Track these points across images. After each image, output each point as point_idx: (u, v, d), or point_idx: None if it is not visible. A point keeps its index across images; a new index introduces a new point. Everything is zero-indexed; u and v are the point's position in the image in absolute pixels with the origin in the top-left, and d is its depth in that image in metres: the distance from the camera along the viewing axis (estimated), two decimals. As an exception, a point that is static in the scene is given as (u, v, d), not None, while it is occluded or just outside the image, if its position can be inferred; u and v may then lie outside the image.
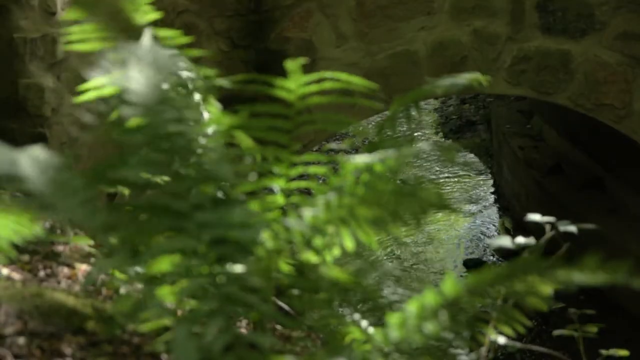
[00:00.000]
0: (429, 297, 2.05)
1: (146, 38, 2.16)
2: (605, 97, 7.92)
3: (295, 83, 2.38)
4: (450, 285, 2.04)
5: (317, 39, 7.60)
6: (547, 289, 2.02)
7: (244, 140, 2.34)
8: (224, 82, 2.39)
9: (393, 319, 2.04)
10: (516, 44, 7.85)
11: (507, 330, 2.23)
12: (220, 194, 1.99)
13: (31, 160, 1.90)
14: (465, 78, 2.44)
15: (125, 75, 1.99)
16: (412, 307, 2.05)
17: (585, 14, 7.83)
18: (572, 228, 2.98)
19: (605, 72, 7.89)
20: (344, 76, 2.39)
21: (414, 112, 2.47)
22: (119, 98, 1.96)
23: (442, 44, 7.81)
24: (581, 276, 1.93)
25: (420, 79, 7.82)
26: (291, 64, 2.35)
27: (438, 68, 7.81)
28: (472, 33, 7.81)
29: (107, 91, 2.07)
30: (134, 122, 1.96)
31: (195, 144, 2.00)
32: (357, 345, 2.03)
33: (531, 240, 2.73)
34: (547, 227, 3.05)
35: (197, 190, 1.96)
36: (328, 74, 2.41)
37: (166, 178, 1.98)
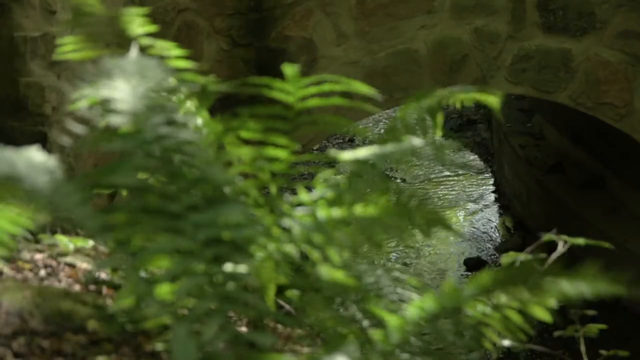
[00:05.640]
0: (428, 302, 2.05)
1: (133, 50, 2.18)
2: (606, 95, 7.92)
3: (294, 86, 2.38)
4: (450, 292, 2.05)
5: (318, 37, 7.59)
6: (551, 300, 2.03)
7: (234, 144, 2.35)
8: (222, 86, 2.39)
9: (392, 321, 2.05)
10: (517, 42, 7.85)
11: (509, 335, 2.23)
12: (214, 195, 1.99)
13: (28, 162, 1.91)
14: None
15: (111, 85, 2.01)
16: (411, 311, 2.05)
17: (586, 13, 7.82)
18: (581, 241, 2.97)
19: (606, 70, 7.88)
20: (343, 79, 2.40)
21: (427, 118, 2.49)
22: (106, 107, 1.97)
23: (443, 42, 7.81)
24: (580, 287, 1.94)
25: (421, 78, 7.82)
26: (289, 68, 2.35)
27: (439, 66, 7.81)
28: (473, 32, 7.81)
29: (94, 101, 2.08)
30: (123, 129, 1.97)
31: (186, 146, 2.00)
32: (357, 345, 2.04)
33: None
34: (559, 243, 3.04)
35: (189, 192, 1.97)
36: (328, 76, 2.41)
37: (162, 178, 1.99)
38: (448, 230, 2.21)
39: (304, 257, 2.16)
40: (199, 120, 2.41)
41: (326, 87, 2.39)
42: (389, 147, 2.25)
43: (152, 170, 1.96)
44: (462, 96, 2.55)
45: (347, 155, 2.24)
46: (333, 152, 2.27)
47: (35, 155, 1.95)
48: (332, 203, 2.19)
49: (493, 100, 2.55)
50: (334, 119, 2.46)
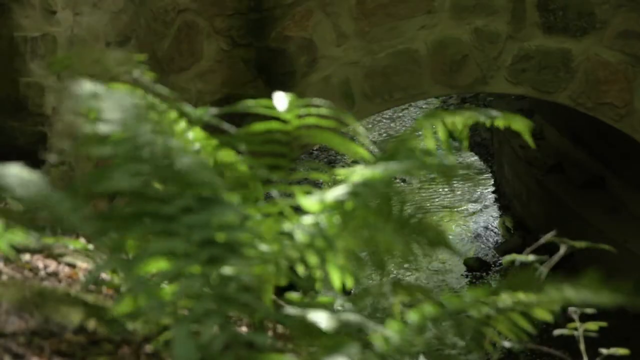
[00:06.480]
0: (430, 308, 2.06)
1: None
2: (606, 95, 7.92)
3: (290, 111, 2.42)
4: (451, 298, 2.06)
5: (318, 37, 7.59)
6: (554, 304, 2.04)
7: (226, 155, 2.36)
8: (212, 112, 2.42)
9: (393, 325, 2.05)
10: (517, 42, 7.85)
11: (511, 335, 2.23)
12: (207, 197, 2.00)
13: (17, 175, 1.92)
14: None
15: (98, 95, 2.02)
16: (413, 316, 2.06)
17: (586, 13, 7.82)
18: (582, 244, 2.97)
19: (606, 70, 7.89)
20: (333, 107, 2.45)
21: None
22: (95, 115, 1.99)
23: (443, 42, 7.81)
24: (582, 296, 1.95)
25: (421, 78, 7.82)
26: (284, 97, 2.40)
27: (439, 66, 7.81)
28: (473, 32, 7.81)
29: (83, 110, 2.08)
30: (112, 136, 1.98)
31: (174, 152, 2.01)
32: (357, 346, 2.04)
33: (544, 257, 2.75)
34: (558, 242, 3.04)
35: (182, 194, 1.98)
36: (319, 101, 2.46)
37: (156, 182, 2.01)
38: (449, 250, 2.23)
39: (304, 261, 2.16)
40: (191, 135, 2.43)
41: (321, 111, 2.44)
42: (395, 165, 2.26)
43: (145, 174, 1.97)
44: (491, 119, 2.56)
45: (358, 173, 2.25)
46: (343, 171, 2.29)
47: (20, 171, 1.96)
48: (336, 211, 2.19)
49: (522, 125, 2.55)
50: (329, 136, 2.49)
